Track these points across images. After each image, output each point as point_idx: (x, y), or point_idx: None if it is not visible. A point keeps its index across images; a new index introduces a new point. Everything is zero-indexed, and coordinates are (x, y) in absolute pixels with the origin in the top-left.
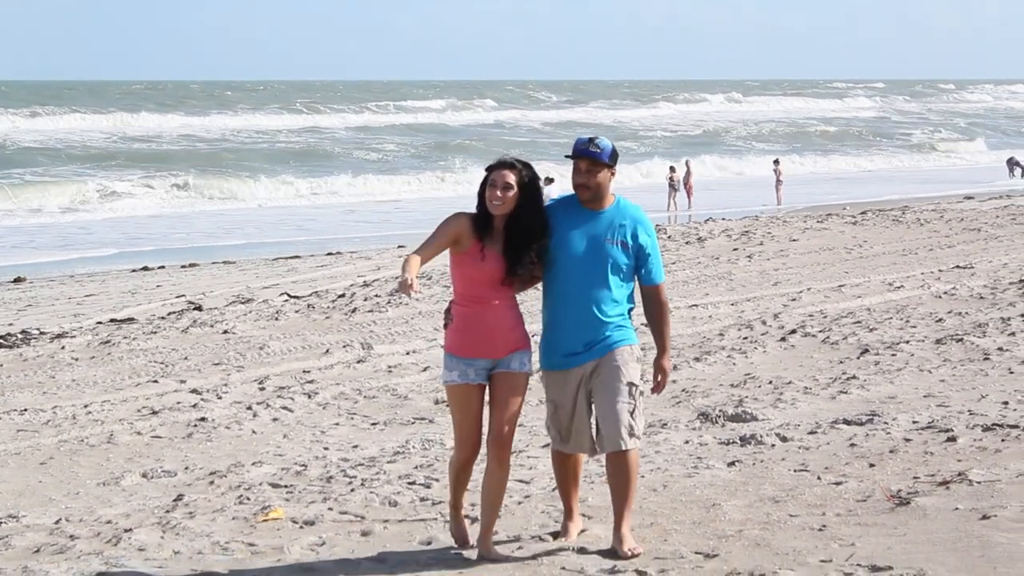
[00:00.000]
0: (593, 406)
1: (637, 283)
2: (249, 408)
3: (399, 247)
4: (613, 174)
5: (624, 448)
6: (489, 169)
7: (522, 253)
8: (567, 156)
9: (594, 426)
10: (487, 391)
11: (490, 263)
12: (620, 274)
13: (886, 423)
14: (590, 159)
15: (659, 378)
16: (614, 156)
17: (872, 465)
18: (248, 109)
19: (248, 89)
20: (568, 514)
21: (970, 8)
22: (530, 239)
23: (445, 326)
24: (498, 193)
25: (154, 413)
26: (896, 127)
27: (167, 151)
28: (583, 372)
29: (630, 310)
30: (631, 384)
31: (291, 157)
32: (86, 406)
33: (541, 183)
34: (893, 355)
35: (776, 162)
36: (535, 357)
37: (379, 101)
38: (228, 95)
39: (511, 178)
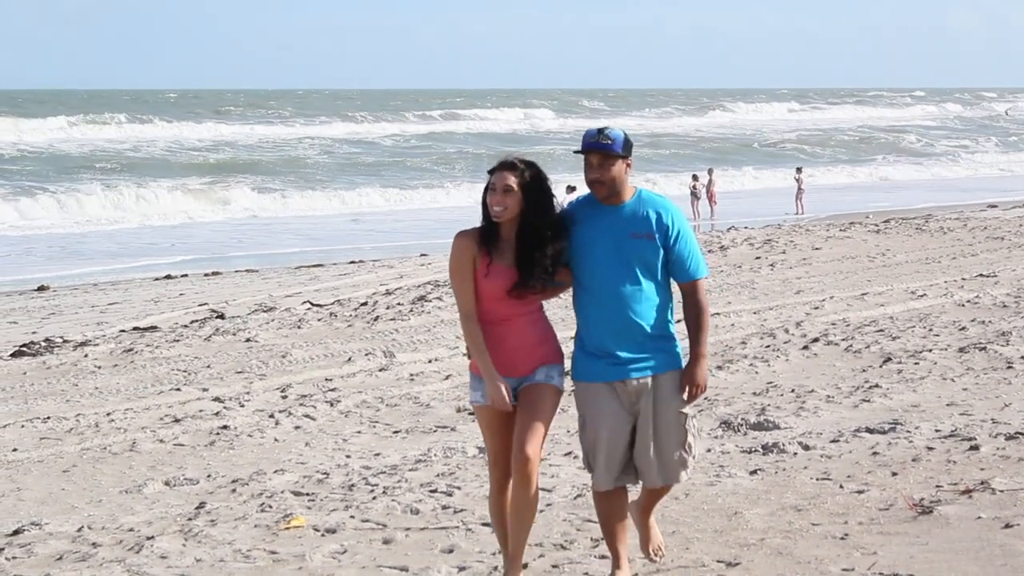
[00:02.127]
0: (636, 435)
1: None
2: (271, 416)
3: (421, 255)
4: (629, 165)
5: (678, 482)
6: (490, 172)
7: (534, 261)
8: (576, 152)
9: (630, 455)
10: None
11: (495, 278)
12: (651, 271)
13: (909, 432)
14: (601, 152)
15: (691, 390)
16: (628, 145)
17: (895, 474)
18: (292, 116)
19: (285, 98)
20: (615, 562)
21: (995, 17)
22: (541, 244)
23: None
24: (498, 199)
25: (176, 421)
26: (962, 134)
27: (269, 158)
28: (621, 389)
29: (671, 316)
30: (681, 413)
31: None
32: (109, 414)
33: (549, 182)
34: (916, 363)
35: (799, 170)
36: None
37: (429, 110)
38: (272, 104)
39: (511, 180)
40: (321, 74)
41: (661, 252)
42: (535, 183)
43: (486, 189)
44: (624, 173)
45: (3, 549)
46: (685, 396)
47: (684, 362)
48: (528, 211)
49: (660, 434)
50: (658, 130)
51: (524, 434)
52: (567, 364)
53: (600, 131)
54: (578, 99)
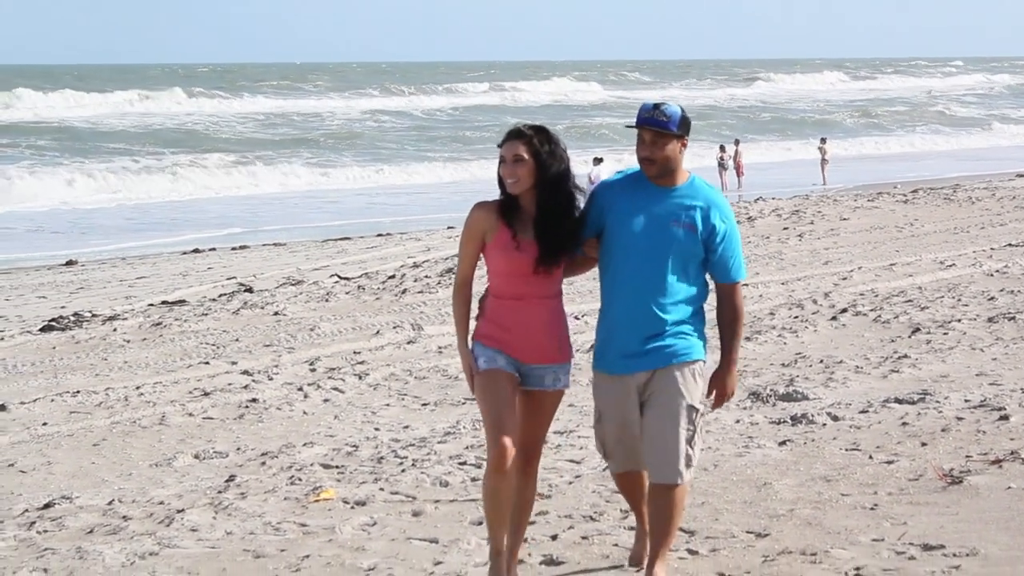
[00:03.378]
0: (643, 425)
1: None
2: (300, 389)
3: (448, 228)
4: (684, 145)
5: (676, 483)
6: (500, 145)
7: (551, 235)
8: (628, 126)
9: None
10: (518, 396)
11: (525, 252)
12: (685, 264)
13: (938, 402)
14: (656, 129)
15: (717, 396)
16: (685, 124)
17: (924, 444)
18: (336, 89)
19: (320, 71)
20: (641, 537)
21: None
22: (558, 217)
23: (478, 317)
24: (509, 170)
25: (206, 395)
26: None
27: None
28: (635, 382)
29: (700, 313)
30: (690, 407)
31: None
32: (138, 388)
33: (563, 147)
34: (945, 334)
35: (823, 141)
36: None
37: (469, 82)
38: (311, 77)
39: (521, 149)
40: (351, 48)
41: (701, 248)
42: (547, 149)
43: (500, 162)
44: (678, 153)
45: (34, 522)
46: (712, 400)
47: (702, 352)
48: (542, 179)
49: (661, 424)
50: (708, 101)
51: (530, 438)
52: (574, 356)
53: (656, 106)
54: (617, 70)
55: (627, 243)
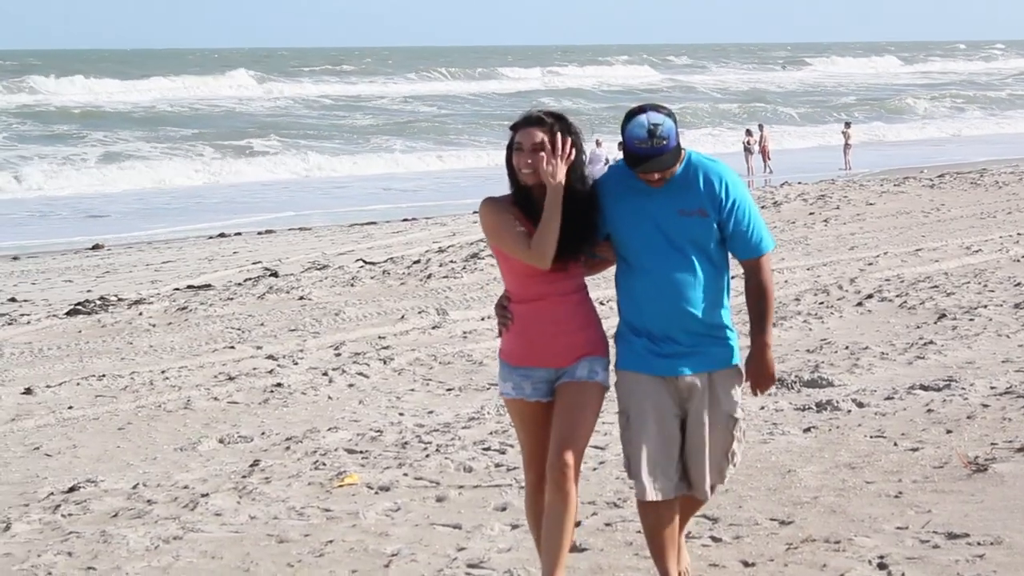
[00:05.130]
0: (687, 439)
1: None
2: (325, 374)
3: (473, 212)
4: (683, 151)
5: (707, 499)
6: (513, 129)
7: (572, 229)
8: (623, 160)
9: (679, 461)
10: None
11: None
12: (705, 252)
13: (964, 389)
14: (659, 157)
15: (758, 384)
16: (677, 135)
17: (949, 431)
18: (392, 73)
19: (364, 56)
20: None
21: None
22: (580, 208)
23: (501, 325)
24: (527, 159)
25: (230, 379)
26: None
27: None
28: (668, 384)
29: (728, 305)
30: (733, 419)
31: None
32: (163, 372)
33: (583, 139)
34: (971, 320)
35: (847, 125)
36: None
37: (516, 67)
38: (367, 60)
39: (540, 136)
40: (383, 32)
41: (716, 230)
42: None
43: (510, 148)
44: (679, 159)
45: (59, 506)
46: (752, 390)
47: (738, 352)
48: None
49: (701, 438)
50: (757, 84)
51: (563, 439)
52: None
53: (651, 133)
54: (661, 55)
55: (640, 244)
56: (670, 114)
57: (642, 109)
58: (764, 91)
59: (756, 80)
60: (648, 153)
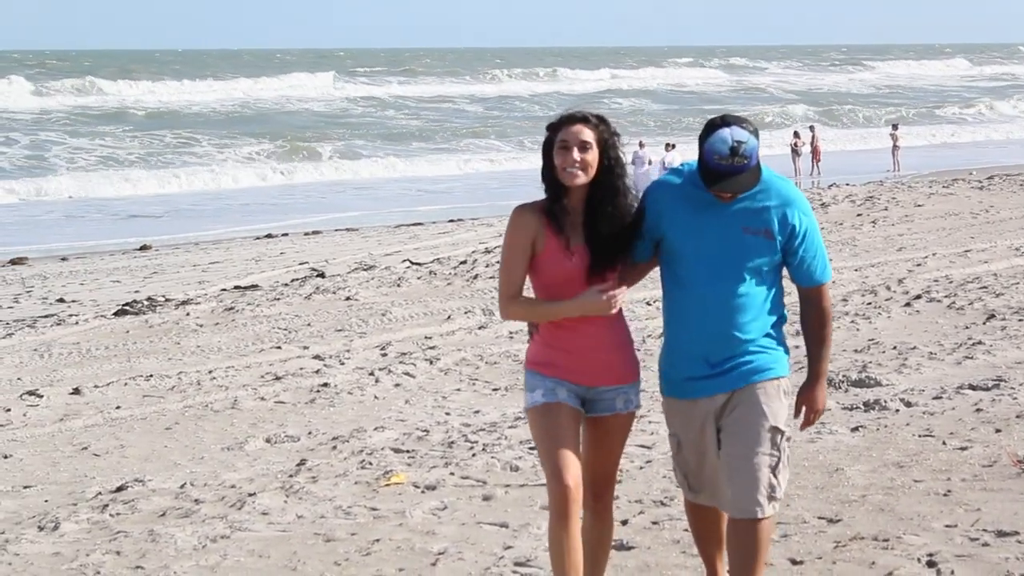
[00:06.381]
0: (720, 451)
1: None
2: (371, 374)
3: None
4: (759, 168)
5: (757, 516)
6: (553, 128)
7: (611, 237)
8: (687, 165)
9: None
10: (581, 427)
11: (578, 259)
12: (763, 274)
13: (1013, 388)
14: (736, 178)
15: (806, 414)
16: (757, 150)
17: (998, 430)
18: (446, 75)
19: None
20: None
21: None
22: (623, 216)
23: (530, 334)
24: (574, 157)
25: (277, 379)
26: None
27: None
28: (713, 404)
29: (779, 323)
30: (775, 429)
31: None
32: (210, 372)
33: (622, 141)
34: (1020, 320)
35: (895, 127)
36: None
37: (579, 68)
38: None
39: (588, 135)
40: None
41: (779, 255)
42: (611, 140)
43: (547, 148)
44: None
45: (107, 505)
46: (801, 419)
47: (786, 366)
48: (605, 175)
49: (742, 451)
50: (831, 85)
51: (603, 474)
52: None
53: (733, 150)
54: (731, 57)
55: (693, 259)
56: (754, 131)
57: (725, 122)
58: (845, 93)
59: (831, 82)
60: (728, 171)
